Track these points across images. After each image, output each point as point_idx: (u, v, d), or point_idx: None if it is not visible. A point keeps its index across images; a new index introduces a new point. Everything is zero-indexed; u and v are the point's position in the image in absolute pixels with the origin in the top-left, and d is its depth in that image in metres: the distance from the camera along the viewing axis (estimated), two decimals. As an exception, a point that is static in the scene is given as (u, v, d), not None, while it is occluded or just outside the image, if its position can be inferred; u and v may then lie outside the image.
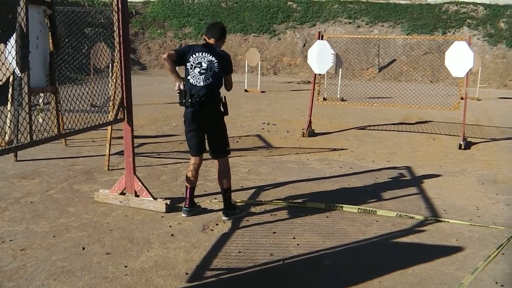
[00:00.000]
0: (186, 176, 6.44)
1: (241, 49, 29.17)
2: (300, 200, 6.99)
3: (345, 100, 17.06)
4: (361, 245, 5.64)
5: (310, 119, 11.86)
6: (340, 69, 18.88)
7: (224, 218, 6.22)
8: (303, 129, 11.71)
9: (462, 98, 12.03)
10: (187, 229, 5.87)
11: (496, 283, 4.90)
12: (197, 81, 6.04)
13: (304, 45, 29.13)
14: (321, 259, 5.22)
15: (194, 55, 6.10)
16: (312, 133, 11.76)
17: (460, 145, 10.93)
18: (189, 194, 6.38)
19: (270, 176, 8.18)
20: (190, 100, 5.97)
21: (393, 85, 19.63)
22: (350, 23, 30.44)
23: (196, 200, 6.54)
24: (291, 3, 32.04)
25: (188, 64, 6.10)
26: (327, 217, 6.40)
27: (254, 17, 31.25)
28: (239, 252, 5.26)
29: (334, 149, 10.33)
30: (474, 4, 29.94)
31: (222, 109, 6.21)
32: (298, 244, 5.52)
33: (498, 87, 25.62)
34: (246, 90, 20.16)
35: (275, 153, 9.88)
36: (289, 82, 23.77)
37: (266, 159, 9.38)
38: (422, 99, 14.49)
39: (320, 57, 11.97)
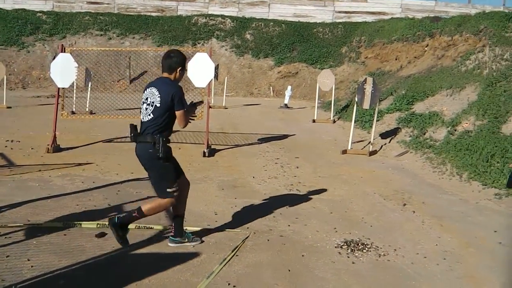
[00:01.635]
0: None
1: (-15, 64, 27.53)
2: (37, 220, 6.71)
3: (94, 113, 16.83)
4: (99, 260, 5.58)
5: (55, 134, 11.49)
6: (90, 82, 18.56)
7: (170, 244, 6.03)
8: (48, 144, 11.31)
9: (210, 107, 12.42)
10: None
11: (229, 284, 5.12)
12: (143, 116, 5.70)
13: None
14: (55, 279, 5.08)
15: (145, 91, 5.79)
16: (57, 149, 11.39)
17: (204, 152, 11.29)
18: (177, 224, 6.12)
19: (8, 196, 7.71)
20: (132, 134, 5.68)
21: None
22: (101, 35, 30.05)
23: None
24: (40, 14, 30.85)
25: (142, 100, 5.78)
26: (65, 235, 6.22)
27: (1, 29, 29.59)
28: (-37, 282, 4.93)
29: (79, 164, 10.08)
30: (222, 16, 31.06)
31: (157, 148, 5.62)
32: (32, 266, 5.30)
33: (245, 95, 26.86)
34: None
35: (16, 171, 9.39)
36: (38, 97, 22.81)
37: (6, 178, 8.86)
38: (170, 109, 14.73)
39: (63, 70, 11.67)
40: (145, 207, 5.80)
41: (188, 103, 5.88)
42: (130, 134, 5.73)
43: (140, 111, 5.83)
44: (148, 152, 5.65)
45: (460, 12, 26.37)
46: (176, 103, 5.64)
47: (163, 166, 5.73)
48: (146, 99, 5.73)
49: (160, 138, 5.63)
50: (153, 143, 5.61)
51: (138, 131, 5.76)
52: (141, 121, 5.76)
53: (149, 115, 5.65)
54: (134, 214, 5.78)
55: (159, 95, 5.63)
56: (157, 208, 5.86)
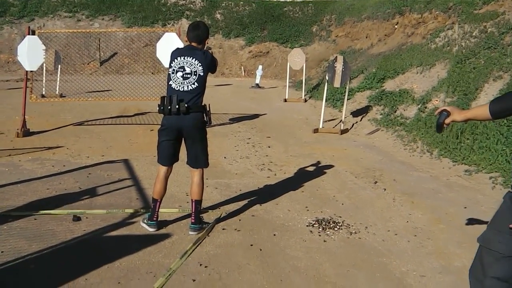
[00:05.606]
0: (155, 188, 5.95)
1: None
2: (7, 205, 6.61)
3: (64, 96, 16.65)
4: (70, 244, 5.53)
5: (24, 118, 11.34)
6: (59, 65, 18.33)
7: (191, 233, 5.89)
8: (17, 129, 11.17)
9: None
10: None
11: (201, 265, 5.12)
12: (180, 86, 5.63)
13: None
14: (26, 264, 5.02)
15: (176, 60, 5.72)
16: (27, 133, 11.25)
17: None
18: (158, 207, 5.96)
19: (-24, 183, 7.64)
20: (177, 106, 5.53)
21: (115, 78, 19.60)
22: (70, 17, 29.67)
23: None
24: (7, -3, 30.39)
25: (170, 69, 5.70)
26: (35, 219, 6.15)
27: (-33, 12, 29.16)
28: None
29: (50, 148, 9.96)
30: (190, -4, 30.91)
31: (205, 118, 5.79)
32: (2, 252, 5.22)
33: (216, 75, 26.67)
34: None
35: (-15, 157, 9.29)
36: (7, 81, 22.55)
37: (-25, 164, 8.79)
38: (141, 90, 14.65)
39: (31, 53, 11.51)
40: (195, 194, 5.98)
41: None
42: (174, 106, 5.58)
43: (171, 80, 5.72)
44: (201, 121, 5.77)
45: (430, -10, 26.45)
46: (212, 66, 5.85)
47: (206, 134, 5.96)
48: (181, 67, 5.71)
49: (209, 105, 5.83)
50: (203, 112, 5.76)
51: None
52: (179, 91, 5.67)
53: (194, 84, 5.67)
54: (198, 209, 6.02)
55: (200, 64, 5.71)
56: (201, 183, 6.02)
